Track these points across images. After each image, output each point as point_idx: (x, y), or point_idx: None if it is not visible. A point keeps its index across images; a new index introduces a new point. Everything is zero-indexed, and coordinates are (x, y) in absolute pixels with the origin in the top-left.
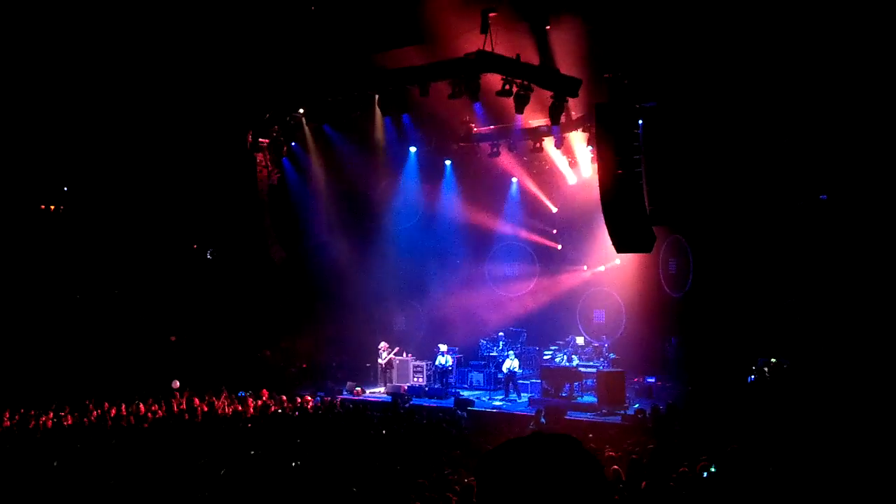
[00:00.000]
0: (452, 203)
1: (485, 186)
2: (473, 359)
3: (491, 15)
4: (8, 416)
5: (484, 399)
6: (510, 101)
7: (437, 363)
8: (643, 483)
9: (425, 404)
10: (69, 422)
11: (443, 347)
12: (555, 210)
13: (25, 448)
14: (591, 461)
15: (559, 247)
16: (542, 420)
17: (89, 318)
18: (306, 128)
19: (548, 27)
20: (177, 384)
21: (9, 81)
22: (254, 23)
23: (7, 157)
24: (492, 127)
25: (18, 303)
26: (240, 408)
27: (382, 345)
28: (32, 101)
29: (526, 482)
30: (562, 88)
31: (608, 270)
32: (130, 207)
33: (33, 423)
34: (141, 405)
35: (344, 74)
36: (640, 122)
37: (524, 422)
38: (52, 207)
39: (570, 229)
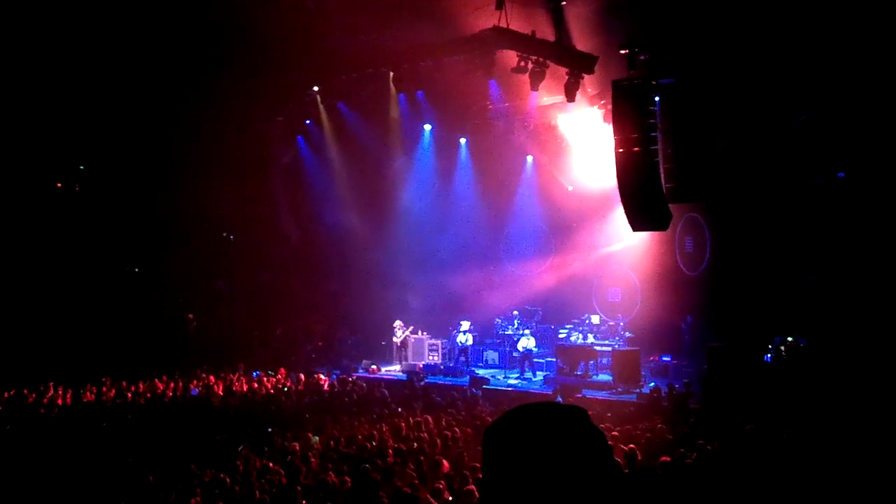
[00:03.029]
0: (467, 180)
1: (500, 164)
2: (488, 337)
3: None
4: (24, 392)
5: (499, 377)
6: (525, 78)
7: (458, 341)
8: (658, 461)
9: (440, 382)
10: (89, 398)
11: (465, 325)
12: (570, 188)
13: (44, 424)
14: (598, 434)
15: (574, 225)
16: (559, 399)
17: (106, 296)
18: (321, 105)
19: (563, 2)
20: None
21: (25, 59)
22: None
23: (24, 135)
24: (507, 104)
25: (35, 281)
26: (255, 385)
27: (397, 323)
28: (49, 79)
29: (532, 453)
30: (577, 65)
31: (624, 249)
32: (146, 186)
33: (50, 399)
34: (158, 383)
35: (358, 51)
36: (658, 98)
37: (540, 400)
38: (70, 186)
39: (585, 207)
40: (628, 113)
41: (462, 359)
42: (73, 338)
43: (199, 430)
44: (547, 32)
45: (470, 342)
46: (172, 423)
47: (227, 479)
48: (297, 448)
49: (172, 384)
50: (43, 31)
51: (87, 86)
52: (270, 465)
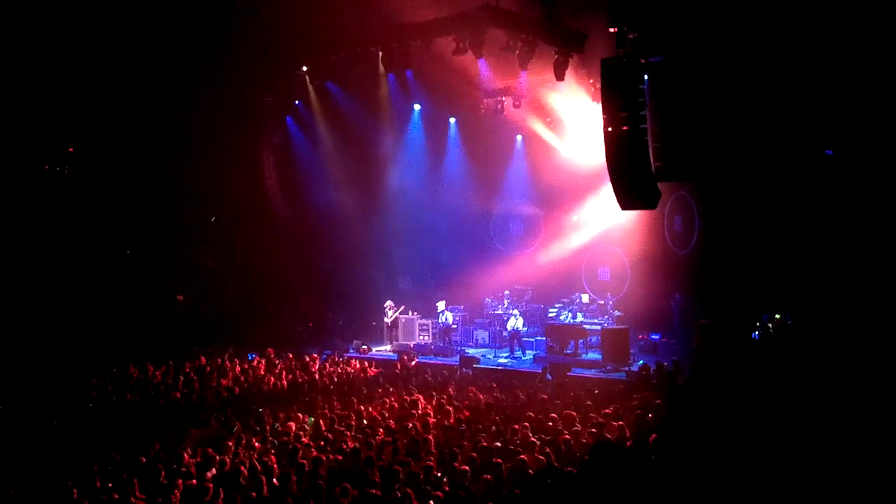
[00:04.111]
0: (457, 160)
1: (490, 143)
2: (478, 317)
3: None
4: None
5: (489, 357)
6: (515, 57)
7: (440, 321)
8: (651, 438)
9: (431, 362)
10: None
11: (440, 306)
12: (559, 166)
13: (33, 408)
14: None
15: (563, 204)
16: (548, 377)
17: (96, 279)
18: (310, 85)
19: None
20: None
21: (14, 41)
22: None
23: (10, 117)
24: (496, 83)
25: (24, 264)
26: (247, 366)
27: (388, 303)
28: (37, 61)
29: None
30: (567, 43)
31: (613, 228)
32: (135, 167)
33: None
34: (150, 366)
35: (347, 31)
36: (646, 77)
37: (530, 378)
38: (58, 168)
39: (574, 186)
40: (617, 92)
41: (449, 338)
42: (63, 320)
43: (192, 412)
44: (536, 11)
45: (450, 320)
46: (164, 404)
47: (225, 459)
48: (291, 428)
49: (164, 367)
50: (28, 13)
51: (75, 68)
52: (263, 444)
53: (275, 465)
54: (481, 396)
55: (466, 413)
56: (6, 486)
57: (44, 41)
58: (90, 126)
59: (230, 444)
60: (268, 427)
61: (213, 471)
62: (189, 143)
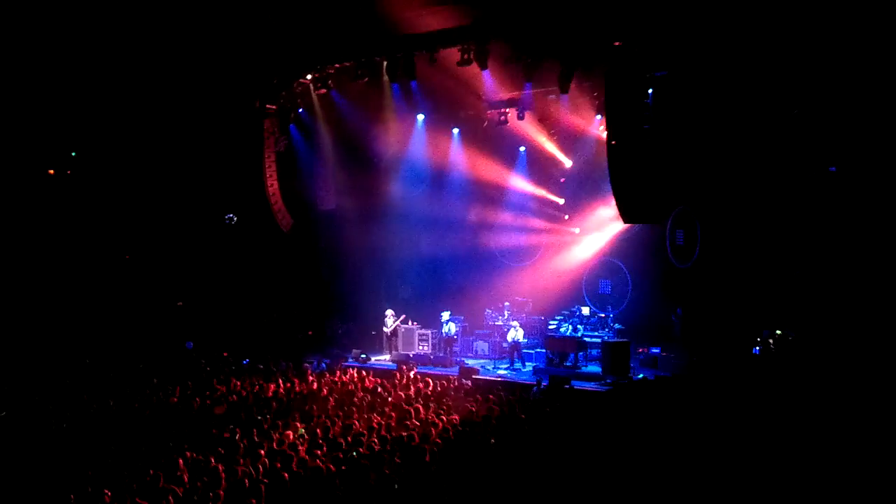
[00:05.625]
0: (460, 171)
1: (493, 155)
2: (478, 328)
3: None
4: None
5: (489, 368)
6: (519, 69)
7: (443, 331)
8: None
9: (430, 372)
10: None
11: (444, 316)
12: (562, 180)
13: (35, 411)
14: None
15: (562, 202)
16: (544, 385)
17: (97, 283)
18: (314, 94)
19: None
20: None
21: (16, 45)
22: None
23: (14, 121)
24: (500, 94)
25: (26, 268)
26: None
27: (388, 312)
28: (40, 65)
29: None
30: (571, 56)
31: (615, 241)
32: (138, 173)
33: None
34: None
35: (352, 40)
36: (650, 91)
37: (526, 390)
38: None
39: (576, 199)
40: (621, 105)
41: (450, 349)
42: (64, 325)
43: (190, 418)
44: (541, 24)
45: (453, 331)
46: (162, 410)
47: (220, 466)
48: (288, 436)
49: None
50: (32, 18)
51: (79, 72)
52: (259, 451)
53: (271, 474)
54: (473, 409)
55: (455, 418)
56: (5, 490)
57: (47, 45)
58: (93, 130)
59: (223, 451)
60: (265, 435)
61: (208, 478)
62: (191, 149)
